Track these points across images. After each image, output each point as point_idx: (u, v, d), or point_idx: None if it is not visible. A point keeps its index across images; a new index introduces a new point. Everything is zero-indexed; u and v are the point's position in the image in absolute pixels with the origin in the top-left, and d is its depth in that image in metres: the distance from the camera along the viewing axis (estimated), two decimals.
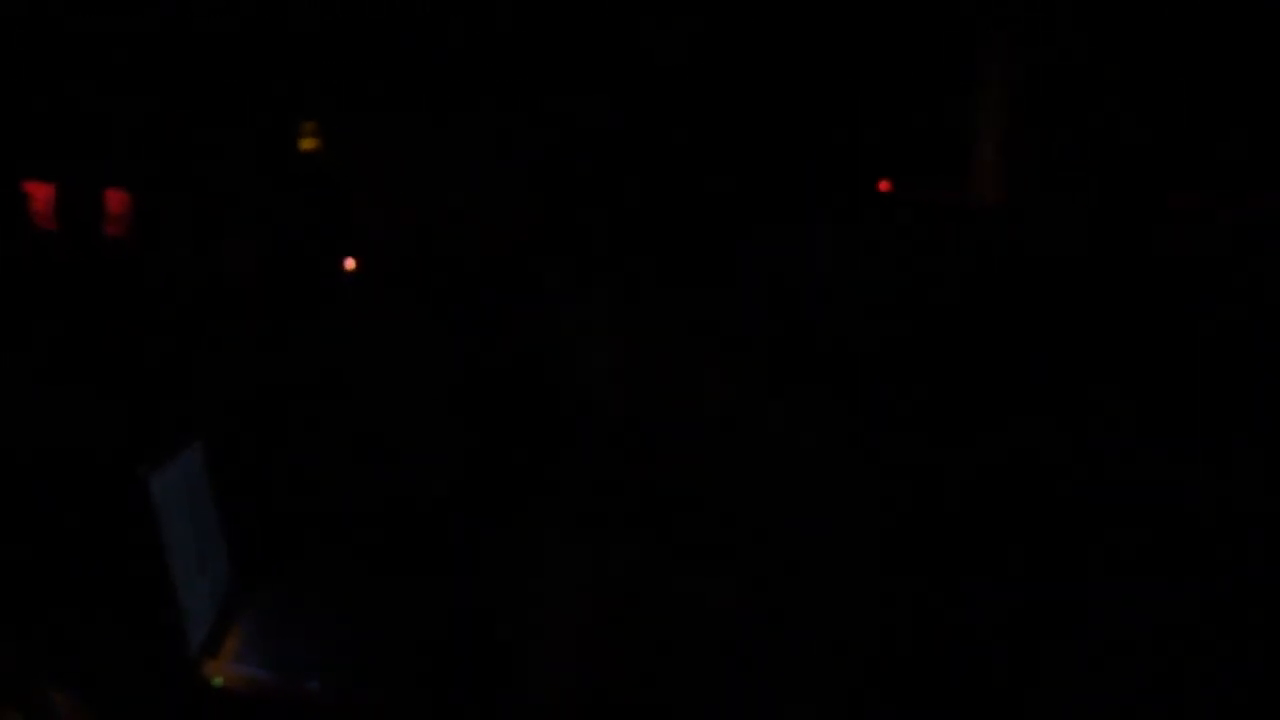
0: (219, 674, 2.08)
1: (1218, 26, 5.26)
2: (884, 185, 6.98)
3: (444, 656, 2.21)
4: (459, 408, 2.85)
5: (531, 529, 2.69)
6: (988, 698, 2.36)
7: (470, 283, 3.58)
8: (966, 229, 5.10)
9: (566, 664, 2.27)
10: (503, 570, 2.55)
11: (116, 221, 4.58)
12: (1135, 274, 3.69)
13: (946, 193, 6.43)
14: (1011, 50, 5.80)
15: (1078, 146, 5.60)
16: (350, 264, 3.54)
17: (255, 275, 3.41)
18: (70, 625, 2.00)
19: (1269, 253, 3.75)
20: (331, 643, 2.24)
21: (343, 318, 3.11)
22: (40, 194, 4.10)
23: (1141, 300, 3.44)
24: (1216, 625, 2.38)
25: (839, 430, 3.05)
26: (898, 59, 6.65)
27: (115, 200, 4.80)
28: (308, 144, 6.62)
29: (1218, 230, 4.30)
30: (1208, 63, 5.40)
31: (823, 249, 4.75)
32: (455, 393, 2.88)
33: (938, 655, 2.40)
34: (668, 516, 2.71)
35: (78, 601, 2.03)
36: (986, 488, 2.74)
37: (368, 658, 2.21)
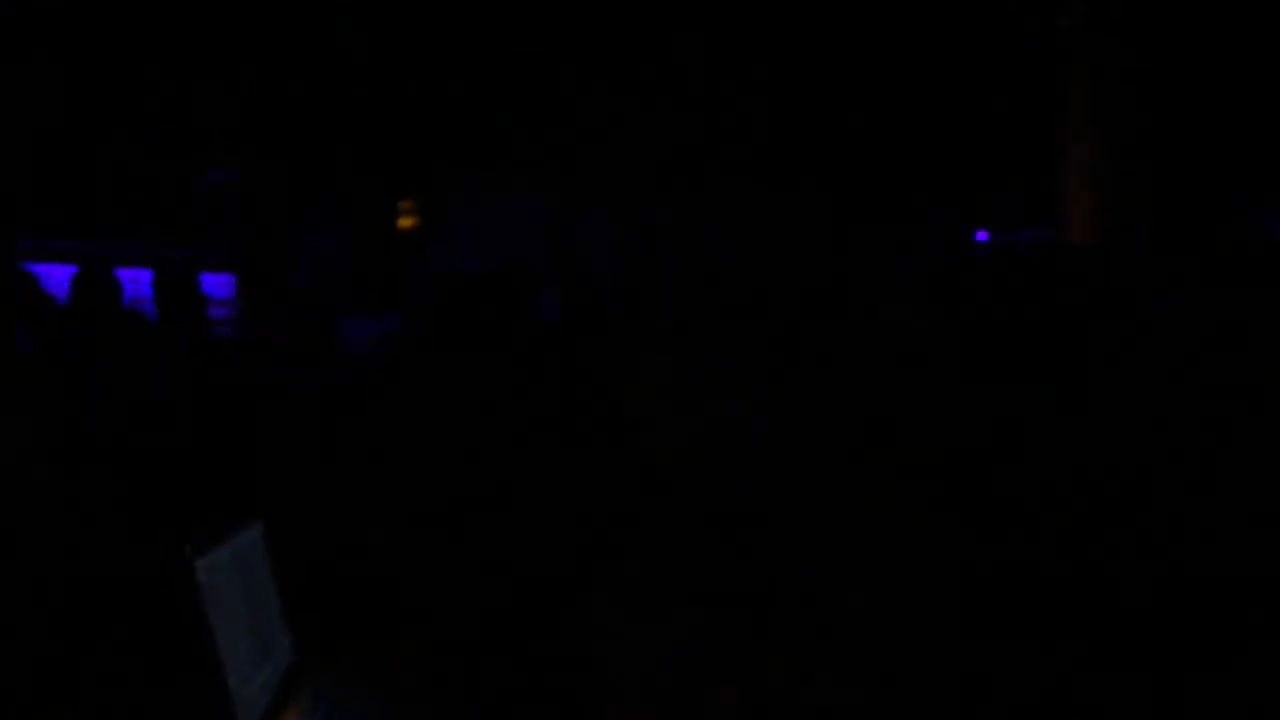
0: None
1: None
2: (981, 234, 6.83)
3: None
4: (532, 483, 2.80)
5: (606, 608, 2.61)
6: None
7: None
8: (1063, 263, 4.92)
9: None
10: (575, 652, 2.46)
11: (220, 303, 4.71)
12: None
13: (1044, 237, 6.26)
14: (1100, 108, 5.67)
15: (1161, 188, 5.38)
16: None
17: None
18: (122, 713, 1.97)
19: None
20: None
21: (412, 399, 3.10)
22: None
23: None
24: None
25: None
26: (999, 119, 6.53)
27: (218, 282, 4.95)
28: (405, 221, 6.76)
29: None
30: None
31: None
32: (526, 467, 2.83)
33: None
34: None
35: (130, 690, 2.01)
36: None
37: None
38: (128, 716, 1.94)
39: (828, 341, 3.50)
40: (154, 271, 3.90)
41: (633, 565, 2.63)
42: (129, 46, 6.23)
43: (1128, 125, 5.60)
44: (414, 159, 6.73)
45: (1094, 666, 2.40)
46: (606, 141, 6.33)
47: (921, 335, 3.62)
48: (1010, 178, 6.70)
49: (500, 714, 2.22)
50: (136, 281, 4.10)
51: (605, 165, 6.52)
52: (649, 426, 3.15)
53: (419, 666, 2.43)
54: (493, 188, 6.12)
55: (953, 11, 6.13)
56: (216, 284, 5.03)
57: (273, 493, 2.58)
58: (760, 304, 3.84)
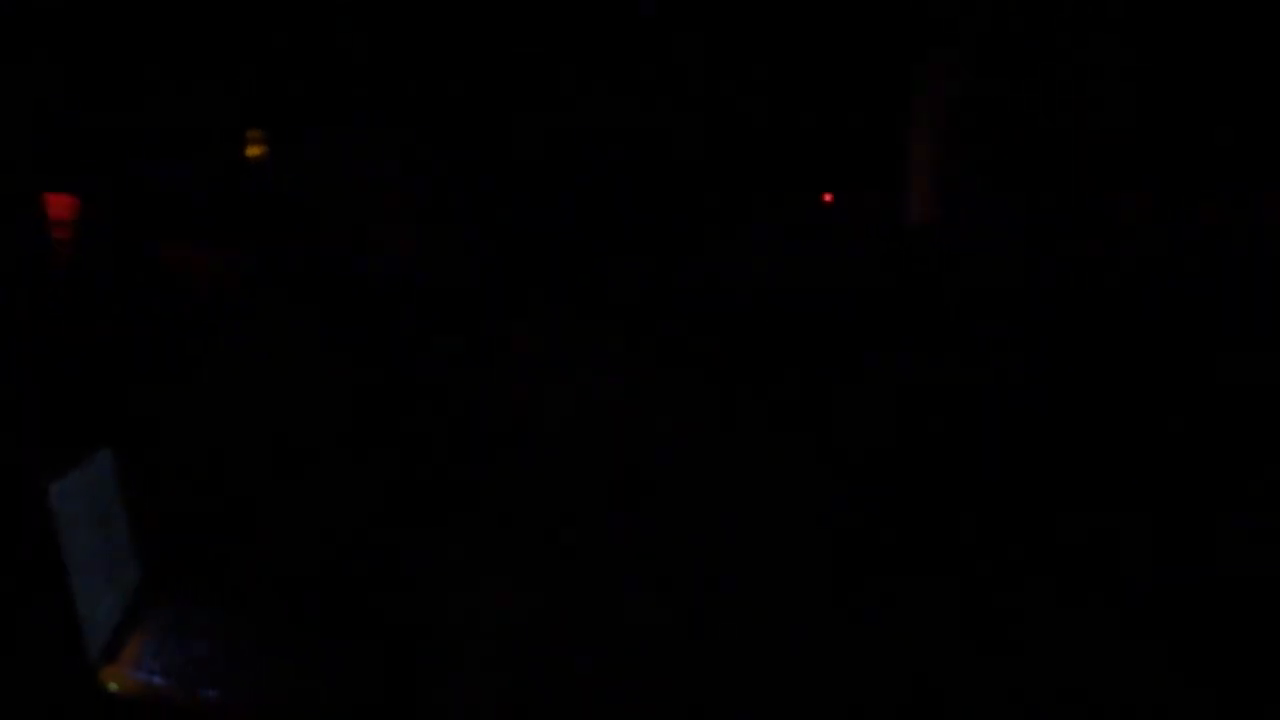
0: (116, 680, 2.10)
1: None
2: (827, 197, 7.09)
3: (348, 672, 2.24)
4: (377, 424, 2.89)
5: (450, 543, 2.72)
6: None
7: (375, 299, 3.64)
8: (903, 241, 5.21)
9: (478, 683, 2.30)
10: (416, 585, 2.58)
11: (60, 226, 4.59)
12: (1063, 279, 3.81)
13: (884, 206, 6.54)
14: (945, 77, 5.97)
15: (1004, 166, 5.73)
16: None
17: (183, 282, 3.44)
18: None
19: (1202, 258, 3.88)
20: (232, 653, 2.26)
21: (264, 334, 3.14)
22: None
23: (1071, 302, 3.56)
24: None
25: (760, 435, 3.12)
26: (845, 79, 6.78)
27: (59, 204, 4.81)
28: (253, 150, 6.64)
29: (1152, 237, 4.42)
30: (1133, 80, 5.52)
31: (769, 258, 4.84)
32: (373, 410, 2.92)
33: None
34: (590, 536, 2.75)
35: None
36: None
37: (268, 668, 2.24)
38: None
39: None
40: None
41: (487, 517, 2.76)
42: None
43: (959, 119, 5.86)
44: (265, 87, 6.60)
45: None
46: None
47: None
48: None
49: (342, 652, 2.32)
50: None
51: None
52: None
53: (263, 600, 2.50)
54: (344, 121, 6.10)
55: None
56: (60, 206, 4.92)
57: (124, 421, 2.61)
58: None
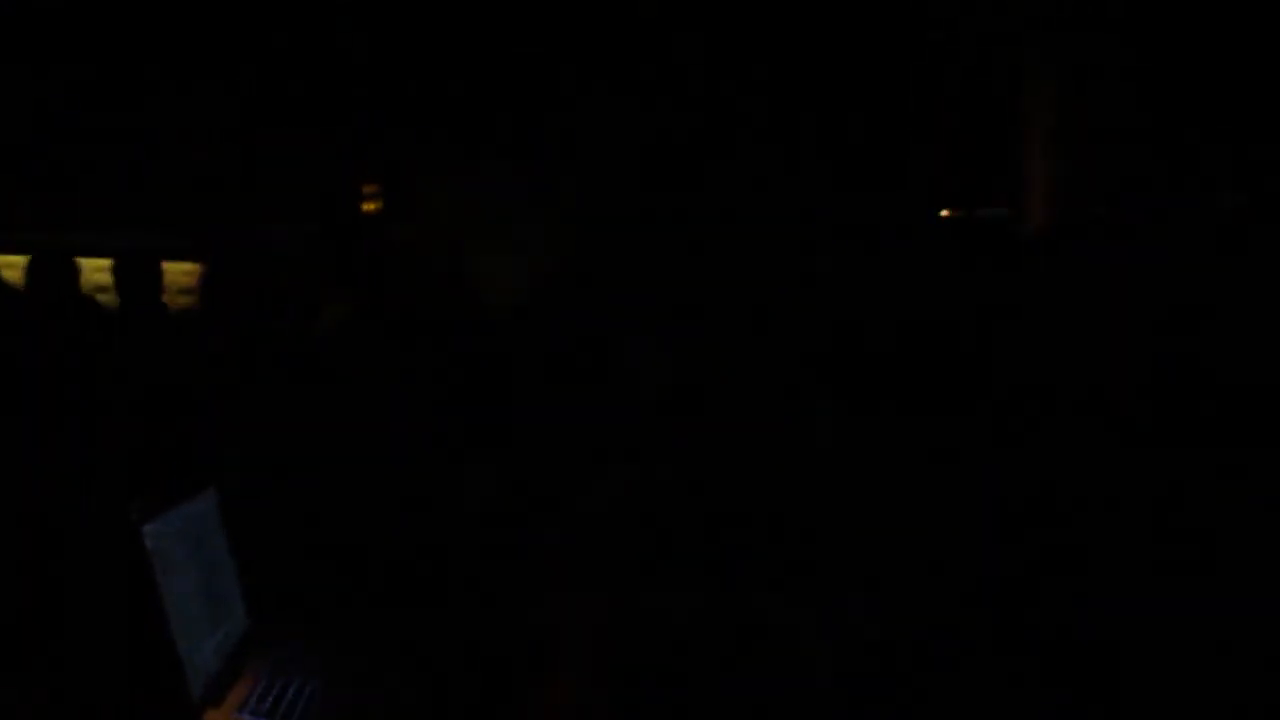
0: None
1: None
2: (945, 213, 6.93)
3: (444, 698, 2.18)
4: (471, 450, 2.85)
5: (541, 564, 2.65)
6: None
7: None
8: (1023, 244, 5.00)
9: (570, 704, 2.22)
10: (514, 611, 2.51)
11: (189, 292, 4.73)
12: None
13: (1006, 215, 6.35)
14: (1056, 89, 5.75)
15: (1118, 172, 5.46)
16: None
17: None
18: (72, 677, 2.02)
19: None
20: (336, 694, 2.23)
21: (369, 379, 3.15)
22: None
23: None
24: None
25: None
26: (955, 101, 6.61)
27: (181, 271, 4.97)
28: (369, 206, 6.76)
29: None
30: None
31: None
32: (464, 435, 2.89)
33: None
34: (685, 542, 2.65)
35: (80, 653, 2.05)
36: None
37: (370, 707, 2.19)
38: (78, 683, 1.98)
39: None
40: (114, 260, 3.95)
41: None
42: (86, 33, 6.24)
43: (1081, 121, 5.68)
44: (378, 142, 6.77)
45: None
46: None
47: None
48: (973, 161, 6.78)
49: (444, 685, 2.27)
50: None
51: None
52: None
53: (371, 637, 2.47)
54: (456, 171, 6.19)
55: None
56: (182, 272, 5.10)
57: (231, 464, 2.62)
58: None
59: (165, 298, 4.19)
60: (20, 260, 4.01)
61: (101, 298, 4.47)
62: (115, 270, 3.94)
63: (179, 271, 4.87)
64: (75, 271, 3.89)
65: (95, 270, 4.32)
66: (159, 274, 4.03)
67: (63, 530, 2.13)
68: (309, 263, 5.84)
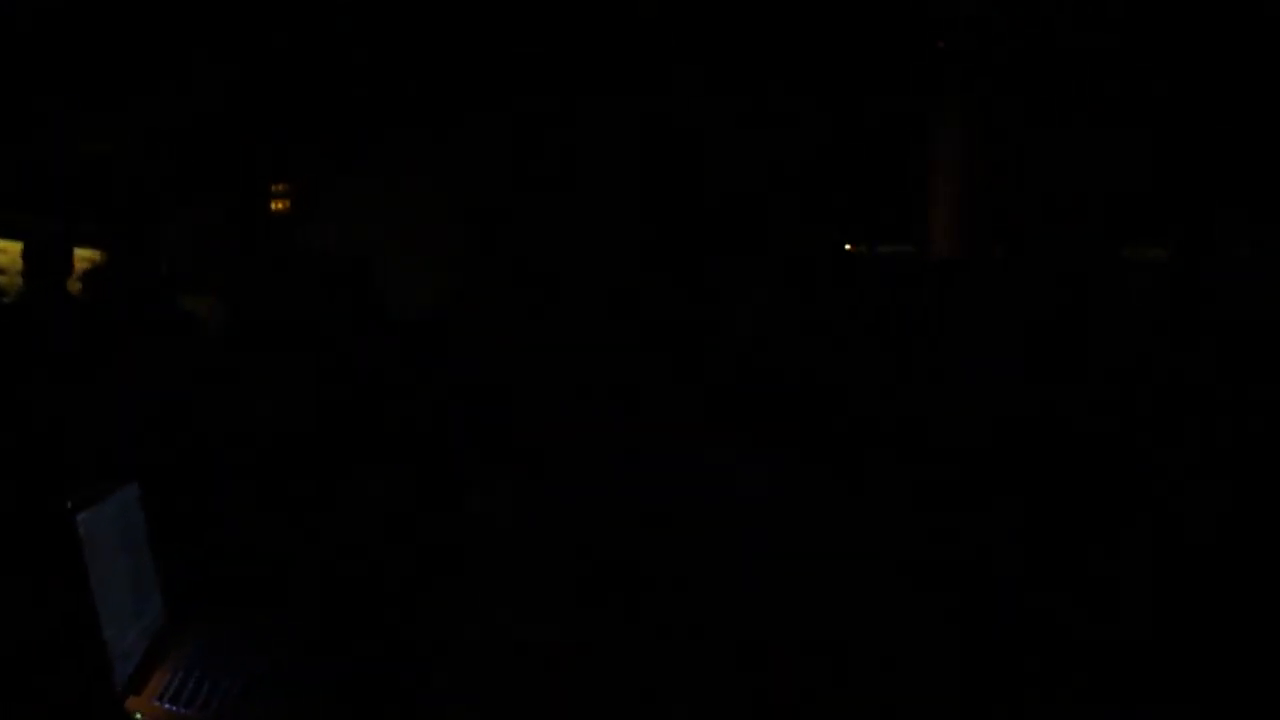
0: (141, 710, 2.12)
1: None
2: (850, 247, 7.21)
3: (371, 703, 2.25)
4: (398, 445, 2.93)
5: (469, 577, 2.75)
6: None
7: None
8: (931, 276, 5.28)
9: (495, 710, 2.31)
10: (437, 615, 2.60)
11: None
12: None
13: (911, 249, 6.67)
14: (962, 129, 6.11)
15: (1022, 209, 5.82)
16: None
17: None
18: None
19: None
20: (255, 683, 2.28)
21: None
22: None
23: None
24: None
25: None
26: (863, 138, 6.91)
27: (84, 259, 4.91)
28: (277, 205, 6.74)
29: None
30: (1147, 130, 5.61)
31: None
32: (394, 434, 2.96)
33: None
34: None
35: (9, 636, 2.07)
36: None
37: (293, 700, 2.25)
38: (4, 667, 2.01)
39: None
40: (25, 242, 3.92)
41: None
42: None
43: (982, 163, 6.02)
44: (287, 142, 6.74)
45: None
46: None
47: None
48: (882, 199, 7.08)
49: (355, 690, 2.33)
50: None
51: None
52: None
53: (284, 632, 2.52)
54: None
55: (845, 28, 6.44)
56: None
57: (144, 458, 2.65)
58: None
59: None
60: None
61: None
62: (26, 254, 3.90)
63: (81, 259, 4.81)
64: None
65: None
66: (69, 259, 4.00)
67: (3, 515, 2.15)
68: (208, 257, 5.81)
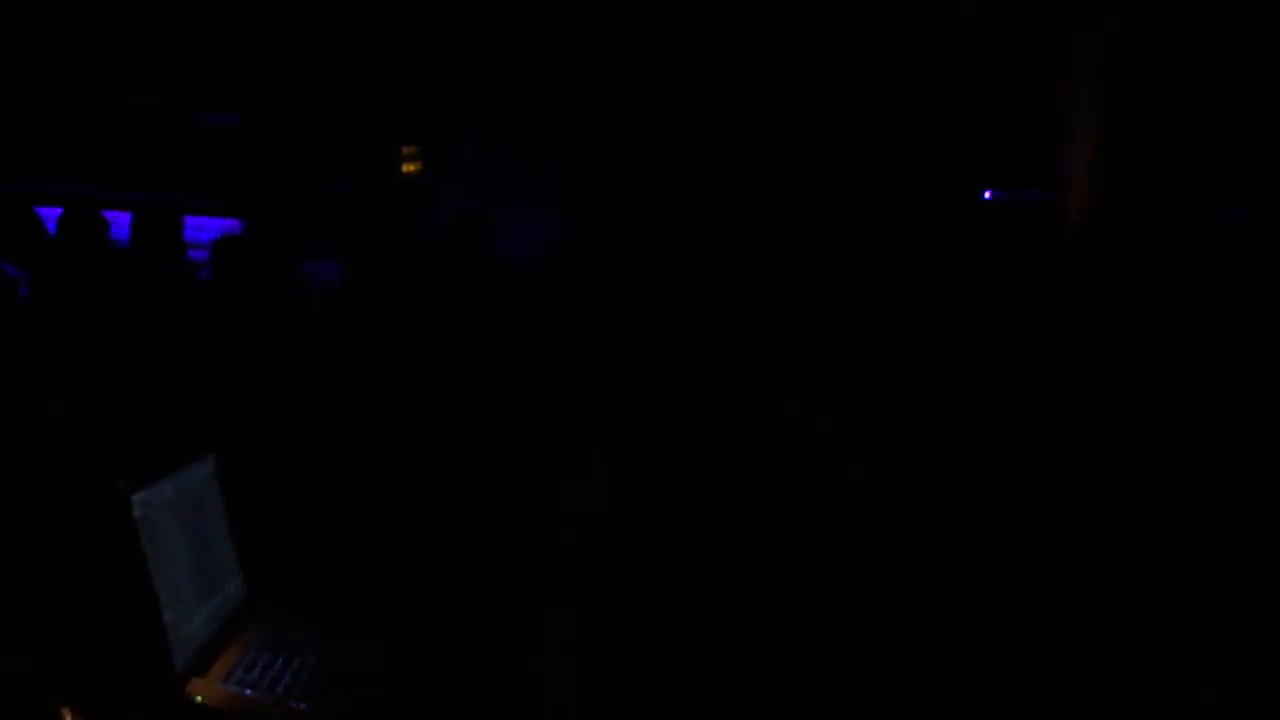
0: (203, 693, 2.06)
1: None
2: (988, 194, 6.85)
3: (440, 684, 2.15)
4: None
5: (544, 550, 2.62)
6: None
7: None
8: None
9: (568, 693, 2.18)
10: (509, 600, 2.48)
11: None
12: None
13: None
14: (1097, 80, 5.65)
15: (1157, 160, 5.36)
16: None
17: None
18: (62, 643, 2.01)
19: None
20: (326, 667, 2.20)
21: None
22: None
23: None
24: None
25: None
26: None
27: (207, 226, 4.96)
28: (409, 167, 6.75)
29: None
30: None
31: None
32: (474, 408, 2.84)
33: None
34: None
35: (71, 619, 2.04)
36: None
37: (362, 684, 2.17)
38: (59, 651, 1.97)
39: None
40: (133, 213, 3.93)
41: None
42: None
43: (1117, 124, 5.57)
44: (417, 105, 6.73)
45: None
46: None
47: None
48: (1019, 146, 6.71)
49: (447, 668, 2.23)
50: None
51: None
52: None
53: (369, 611, 2.44)
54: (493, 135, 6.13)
55: None
56: (206, 228, 5.08)
57: (231, 431, 2.60)
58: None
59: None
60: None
61: None
62: (133, 224, 3.91)
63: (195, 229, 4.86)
64: (104, 224, 3.87)
65: None
66: (180, 229, 4.01)
67: (50, 497, 2.11)
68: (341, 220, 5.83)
